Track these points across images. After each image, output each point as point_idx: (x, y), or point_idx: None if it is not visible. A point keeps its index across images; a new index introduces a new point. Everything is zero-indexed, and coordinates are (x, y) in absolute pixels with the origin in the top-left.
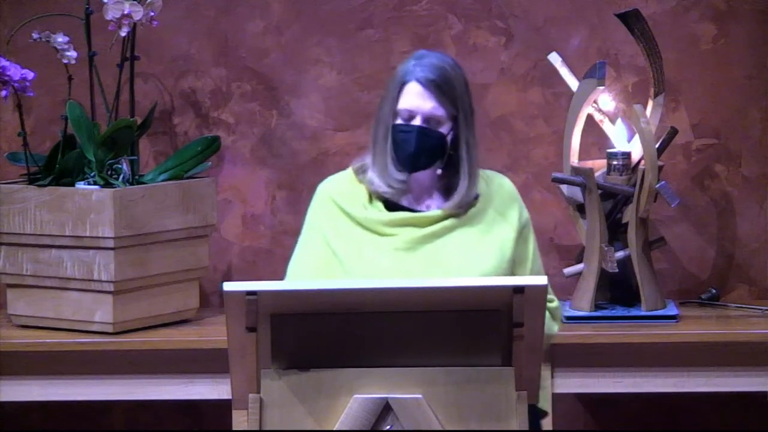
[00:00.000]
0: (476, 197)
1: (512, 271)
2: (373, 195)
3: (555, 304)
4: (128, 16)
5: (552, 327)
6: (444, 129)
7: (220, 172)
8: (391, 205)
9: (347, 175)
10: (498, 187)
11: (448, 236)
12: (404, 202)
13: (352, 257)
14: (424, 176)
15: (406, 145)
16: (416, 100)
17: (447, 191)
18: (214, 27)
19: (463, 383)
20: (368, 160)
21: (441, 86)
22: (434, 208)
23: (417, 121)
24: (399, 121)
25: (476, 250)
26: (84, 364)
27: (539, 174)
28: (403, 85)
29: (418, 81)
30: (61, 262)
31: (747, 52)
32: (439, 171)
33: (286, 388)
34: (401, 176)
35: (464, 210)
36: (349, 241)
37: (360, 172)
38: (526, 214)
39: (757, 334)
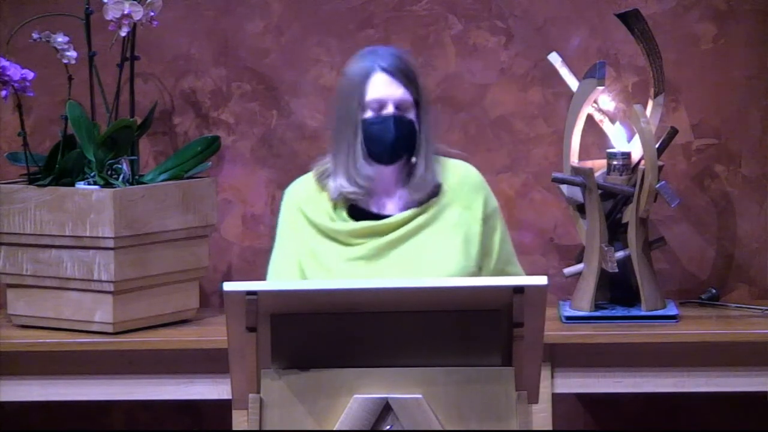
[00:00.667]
0: (439, 189)
1: (480, 264)
2: (338, 202)
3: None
4: (128, 16)
5: None
6: (412, 116)
7: (220, 172)
8: (356, 211)
9: (312, 180)
10: (463, 178)
11: (413, 239)
12: (371, 206)
13: (320, 269)
14: (388, 173)
15: (385, 134)
16: (386, 88)
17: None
18: (214, 27)
19: (463, 383)
20: (329, 164)
21: (406, 72)
22: (400, 205)
23: (389, 110)
24: (369, 114)
25: (442, 250)
26: (84, 364)
27: (539, 174)
28: (367, 77)
29: (384, 70)
30: (61, 262)
31: (747, 52)
32: (414, 160)
33: (286, 388)
34: (370, 171)
35: (426, 200)
36: (317, 252)
37: (323, 177)
38: (493, 203)
39: (757, 334)
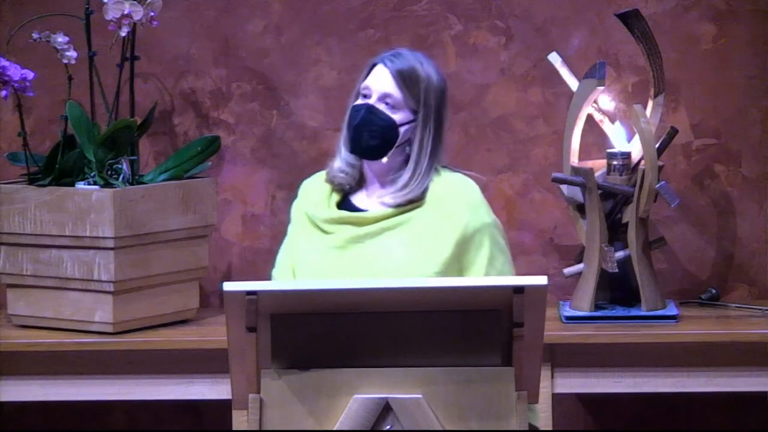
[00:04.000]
0: (422, 196)
1: (457, 276)
2: (334, 190)
3: None
4: (128, 16)
5: None
6: (398, 117)
7: (220, 172)
8: (344, 203)
9: (323, 173)
10: (452, 190)
11: (381, 237)
12: (356, 201)
13: (298, 255)
14: (376, 168)
15: (352, 120)
16: (378, 80)
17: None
18: (214, 27)
19: (463, 383)
20: None
21: (403, 73)
22: (378, 205)
23: (372, 100)
24: (358, 102)
25: (411, 251)
26: (84, 364)
27: (539, 174)
28: (371, 68)
29: (384, 64)
30: (61, 262)
31: (747, 52)
32: (384, 160)
33: (286, 388)
34: (352, 159)
35: (406, 207)
36: (301, 238)
37: None
38: (483, 219)
39: (757, 334)
